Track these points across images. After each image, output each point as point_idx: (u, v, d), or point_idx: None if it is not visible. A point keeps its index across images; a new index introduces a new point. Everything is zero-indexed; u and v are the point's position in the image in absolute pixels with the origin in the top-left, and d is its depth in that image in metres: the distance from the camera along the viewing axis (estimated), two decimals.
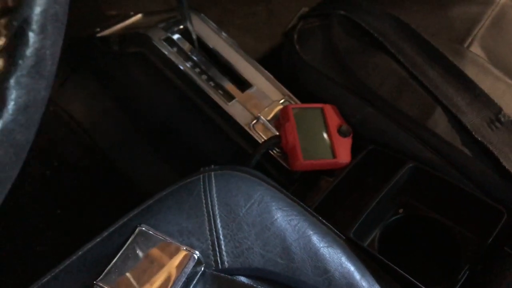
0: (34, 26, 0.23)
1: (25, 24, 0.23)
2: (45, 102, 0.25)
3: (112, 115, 0.81)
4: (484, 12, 0.64)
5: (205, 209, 0.44)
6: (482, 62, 0.59)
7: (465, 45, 0.61)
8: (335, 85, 0.60)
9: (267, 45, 1.01)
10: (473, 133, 0.54)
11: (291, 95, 0.64)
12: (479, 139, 0.53)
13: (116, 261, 0.39)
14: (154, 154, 0.78)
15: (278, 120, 0.61)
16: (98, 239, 0.42)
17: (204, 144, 0.69)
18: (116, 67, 0.77)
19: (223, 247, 0.42)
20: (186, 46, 0.67)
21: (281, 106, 0.62)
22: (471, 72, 0.57)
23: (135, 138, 0.80)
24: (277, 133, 0.60)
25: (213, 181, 0.46)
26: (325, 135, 0.58)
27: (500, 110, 0.55)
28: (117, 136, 0.81)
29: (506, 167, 0.52)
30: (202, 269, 0.39)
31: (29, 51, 0.23)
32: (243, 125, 0.61)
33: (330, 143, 0.58)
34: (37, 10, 0.23)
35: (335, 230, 0.49)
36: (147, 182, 0.78)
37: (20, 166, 0.25)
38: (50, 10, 0.24)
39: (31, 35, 0.23)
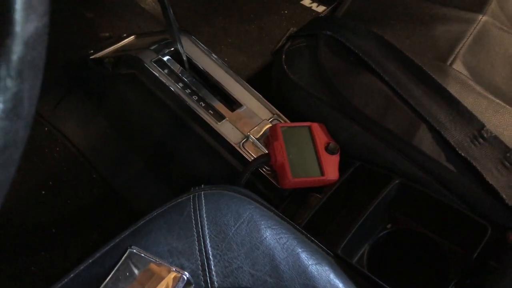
0: (12, 72, 0.23)
1: (2, 70, 0.23)
2: (25, 141, 0.25)
3: (106, 135, 0.82)
4: (466, 30, 0.66)
5: (195, 230, 0.45)
6: (464, 79, 0.60)
7: (448, 63, 0.62)
8: (322, 104, 0.62)
9: (259, 62, 1.03)
10: (457, 149, 0.55)
11: (279, 113, 0.66)
12: (463, 155, 0.54)
13: (107, 283, 0.40)
14: (148, 173, 0.79)
15: (268, 139, 0.62)
16: (90, 261, 0.43)
17: (195, 163, 0.70)
18: (110, 88, 0.78)
19: (212, 267, 0.43)
20: (176, 67, 0.69)
21: (270, 125, 0.64)
22: (454, 89, 0.59)
23: (129, 157, 0.81)
24: (267, 152, 0.61)
25: (203, 201, 0.47)
26: (313, 153, 0.59)
27: (482, 126, 0.56)
28: (111, 155, 0.82)
29: (490, 182, 0.53)
30: None
31: (6, 96, 0.23)
32: (233, 144, 0.62)
33: (318, 161, 0.59)
34: (14, 57, 0.23)
35: (324, 247, 0.49)
36: (142, 200, 0.79)
37: (0, 204, 0.26)
38: (27, 56, 0.24)
39: (9, 81, 0.23)
